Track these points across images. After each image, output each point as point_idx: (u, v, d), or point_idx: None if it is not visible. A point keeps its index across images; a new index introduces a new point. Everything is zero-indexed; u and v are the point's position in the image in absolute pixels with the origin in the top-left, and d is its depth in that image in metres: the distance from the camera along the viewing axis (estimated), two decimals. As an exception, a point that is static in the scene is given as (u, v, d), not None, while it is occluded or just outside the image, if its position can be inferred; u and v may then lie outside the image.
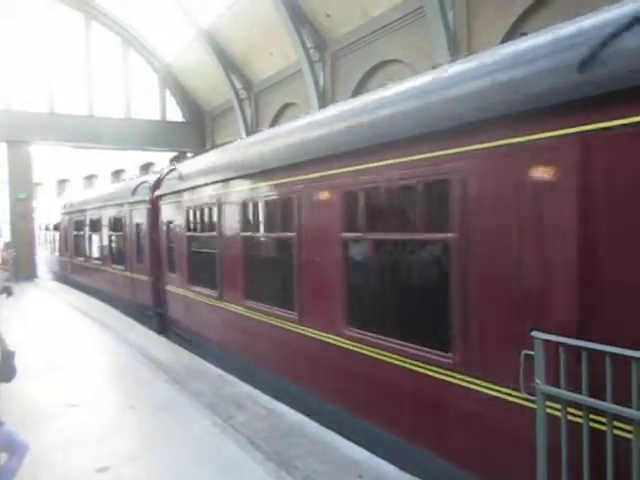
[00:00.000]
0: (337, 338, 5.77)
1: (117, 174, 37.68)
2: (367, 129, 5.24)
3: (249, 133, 21.84)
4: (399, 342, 4.87)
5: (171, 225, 11.09)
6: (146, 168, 32.73)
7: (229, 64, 23.47)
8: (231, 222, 8.31)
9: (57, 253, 24.76)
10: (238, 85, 23.69)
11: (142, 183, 13.13)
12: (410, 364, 4.72)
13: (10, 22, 23.98)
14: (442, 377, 4.38)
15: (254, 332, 7.68)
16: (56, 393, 7.29)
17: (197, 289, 9.77)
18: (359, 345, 5.42)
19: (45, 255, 26.44)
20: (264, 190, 7.33)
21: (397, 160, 4.87)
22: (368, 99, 5.73)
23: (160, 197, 11.71)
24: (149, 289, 12.44)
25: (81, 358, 9.31)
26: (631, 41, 3.14)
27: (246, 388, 7.33)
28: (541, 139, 3.60)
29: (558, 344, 3.30)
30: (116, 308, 14.71)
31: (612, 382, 3.03)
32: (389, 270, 5.22)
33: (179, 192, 10.59)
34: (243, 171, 7.87)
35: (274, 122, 21.44)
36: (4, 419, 4.29)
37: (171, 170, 11.74)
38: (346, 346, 5.62)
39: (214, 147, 11.51)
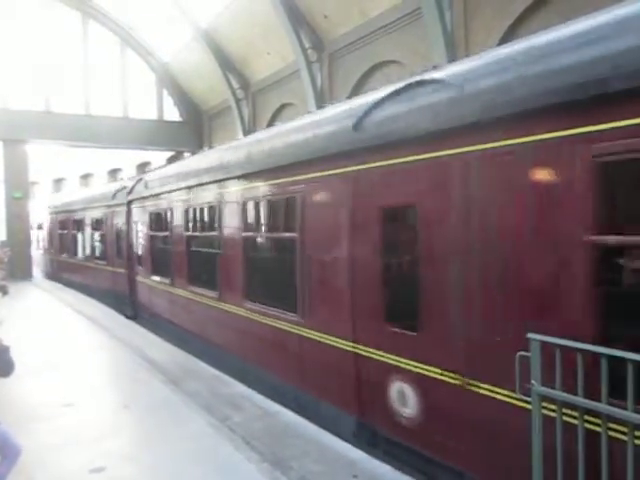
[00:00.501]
0: (240, 309, 7.92)
1: (114, 173, 37.58)
2: (251, 160, 7.49)
3: (246, 133, 21.84)
4: (273, 309, 6.96)
5: (138, 225, 13.23)
6: (143, 167, 32.65)
7: (227, 64, 23.47)
8: (178, 224, 10.55)
9: (41, 250, 25.28)
10: (235, 85, 23.68)
11: (122, 188, 14.80)
12: (279, 323, 6.80)
13: (8, 21, 23.91)
14: (295, 330, 6.44)
15: (194, 309, 9.94)
16: (52, 392, 7.27)
17: (156, 278, 11.95)
18: (252, 313, 7.54)
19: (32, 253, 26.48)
20: (199, 199, 9.49)
21: (270, 182, 7.03)
22: (253, 138, 8.28)
23: (132, 201, 13.70)
24: (126, 280, 14.13)
25: (77, 357, 9.28)
26: (376, 115, 5.16)
27: (241, 388, 7.33)
28: (333, 174, 5.73)
29: (554, 345, 3.31)
30: (98, 299, 16.27)
31: (607, 382, 3.05)
32: (267, 259, 7.64)
33: (144, 198, 12.68)
34: (184, 183, 10.04)
35: (271, 122, 21.42)
36: (0, 419, 4.27)
37: (140, 179, 13.80)
38: (245, 315, 7.76)
39: (171, 162, 14.02)
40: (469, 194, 4.10)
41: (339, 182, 5.63)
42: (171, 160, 27.54)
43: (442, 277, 4.34)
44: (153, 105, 27.62)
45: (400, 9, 15.00)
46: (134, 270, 13.59)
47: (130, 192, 13.77)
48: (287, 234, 6.67)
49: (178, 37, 24.73)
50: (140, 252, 13.06)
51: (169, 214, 10.87)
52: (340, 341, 5.61)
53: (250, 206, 7.69)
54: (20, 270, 22.87)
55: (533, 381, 3.41)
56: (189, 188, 9.85)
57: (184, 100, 28.08)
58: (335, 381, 5.74)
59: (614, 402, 3.03)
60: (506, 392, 3.77)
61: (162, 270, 11.46)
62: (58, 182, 43.22)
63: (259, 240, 7.76)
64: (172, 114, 28.16)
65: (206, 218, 9.43)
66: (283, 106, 21.55)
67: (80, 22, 25.80)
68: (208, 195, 9.05)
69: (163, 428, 5.95)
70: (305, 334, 6.23)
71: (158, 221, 11.76)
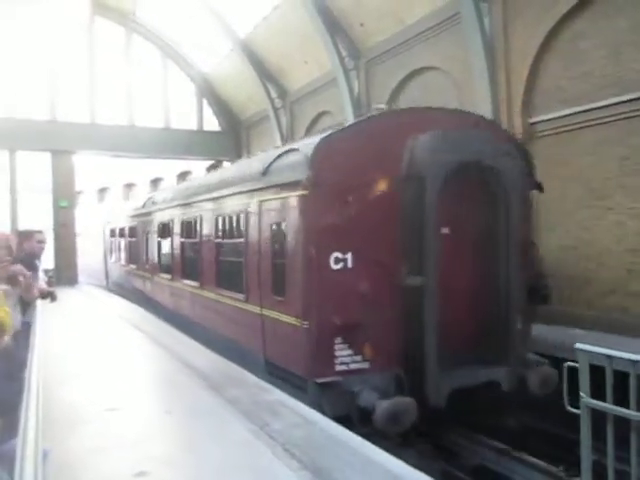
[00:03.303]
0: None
1: (155, 182, 38.46)
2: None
3: (284, 141, 22.02)
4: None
5: (112, 237, 23.68)
6: (183, 176, 33.28)
7: (265, 73, 23.73)
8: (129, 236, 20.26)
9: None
10: (273, 94, 23.90)
11: (108, 220, 25.15)
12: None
13: (54, 35, 24.79)
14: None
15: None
16: (95, 396, 7.43)
17: (113, 259, 23.58)
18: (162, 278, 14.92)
19: None
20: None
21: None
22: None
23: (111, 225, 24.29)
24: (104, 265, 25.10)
25: (117, 361, 9.48)
26: None
27: (281, 395, 7.32)
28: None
29: (603, 356, 3.21)
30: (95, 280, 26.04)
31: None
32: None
33: (112, 225, 23.75)
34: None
35: (309, 131, 21.53)
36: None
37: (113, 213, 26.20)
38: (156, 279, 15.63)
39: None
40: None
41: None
42: (209, 169, 28.00)
43: None
44: (193, 115, 28.13)
45: (437, 15, 14.89)
46: (108, 260, 24.35)
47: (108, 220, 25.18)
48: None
49: (217, 48, 25.17)
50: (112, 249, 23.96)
51: (124, 231, 21.29)
52: None
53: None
54: (65, 276, 23.61)
55: (582, 393, 3.30)
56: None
57: (223, 110, 28.50)
58: None
59: None
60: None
61: (120, 257, 22.29)
62: (102, 191, 44.47)
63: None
64: (211, 124, 28.61)
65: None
66: (320, 114, 21.65)
67: (124, 37, 26.56)
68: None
69: (204, 434, 6.00)
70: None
71: (116, 234, 22.88)
